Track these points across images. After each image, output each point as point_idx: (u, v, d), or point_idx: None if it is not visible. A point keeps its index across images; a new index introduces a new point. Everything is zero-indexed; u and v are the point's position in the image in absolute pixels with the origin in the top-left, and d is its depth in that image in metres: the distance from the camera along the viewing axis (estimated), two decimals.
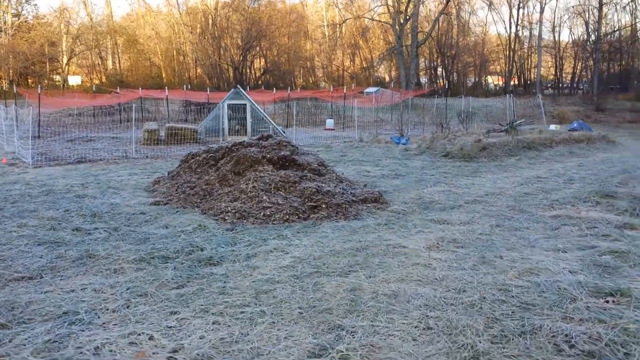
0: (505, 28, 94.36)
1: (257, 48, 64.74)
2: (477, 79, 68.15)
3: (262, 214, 8.31)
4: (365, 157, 15.75)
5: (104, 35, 61.34)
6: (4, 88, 53.46)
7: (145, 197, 9.87)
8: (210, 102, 25.86)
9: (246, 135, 19.62)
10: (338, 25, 55.03)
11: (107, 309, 4.89)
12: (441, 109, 28.51)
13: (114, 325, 4.58)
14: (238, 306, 4.94)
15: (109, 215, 8.52)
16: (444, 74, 66.63)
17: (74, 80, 64.46)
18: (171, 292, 5.33)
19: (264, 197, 8.67)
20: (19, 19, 60.73)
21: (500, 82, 68.83)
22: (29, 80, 61.74)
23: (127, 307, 4.94)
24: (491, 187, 11.33)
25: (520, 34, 62.65)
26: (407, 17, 43.52)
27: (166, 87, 24.69)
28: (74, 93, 32.42)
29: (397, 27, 43.76)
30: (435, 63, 67.15)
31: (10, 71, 56.63)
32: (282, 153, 9.82)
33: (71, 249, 6.81)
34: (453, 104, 28.92)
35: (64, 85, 56.12)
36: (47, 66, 60.50)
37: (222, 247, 6.89)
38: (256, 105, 20.70)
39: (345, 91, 26.95)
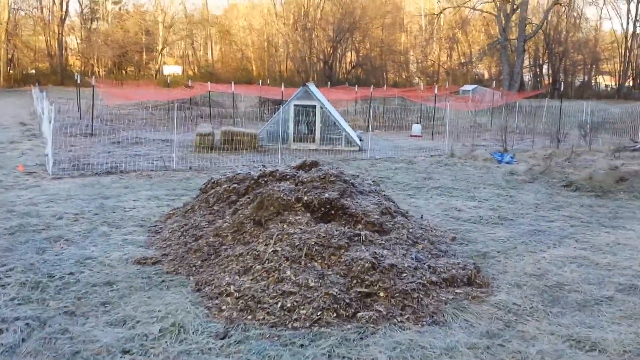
0: (622, 24, 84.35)
1: (349, 40, 61.31)
2: (585, 79, 60.62)
3: (279, 304, 5.06)
4: (457, 182, 12.01)
5: (196, 25, 60.58)
6: (100, 76, 54.12)
7: (136, 247, 6.94)
8: (285, 100, 22.86)
9: (314, 142, 16.45)
10: (436, 16, 50.18)
11: None
12: (553, 114, 23.80)
13: None
14: None
15: (59, 285, 5.65)
16: (550, 72, 59.86)
17: (172, 70, 64.46)
18: None
19: (288, 273, 5.41)
20: (119, 8, 61.37)
21: (613, 83, 60.83)
22: (128, 69, 62.53)
23: None
24: None
25: (638, 31, 54.67)
26: (515, 7, 38.19)
27: (232, 83, 22.16)
28: (148, 85, 30.94)
29: (502, 17, 38.54)
30: (541, 60, 60.48)
31: (109, 61, 57.29)
32: (327, 195, 6.48)
33: None
34: (569, 109, 24.02)
35: (156, 75, 55.88)
36: (144, 55, 60.67)
37: None
38: (329, 106, 17.43)
39: (436, 90, 23.00)
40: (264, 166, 8.01)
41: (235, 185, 7.46)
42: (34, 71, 53.26)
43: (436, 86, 27.14)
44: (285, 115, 16.35)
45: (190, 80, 29.39)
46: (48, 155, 12.80)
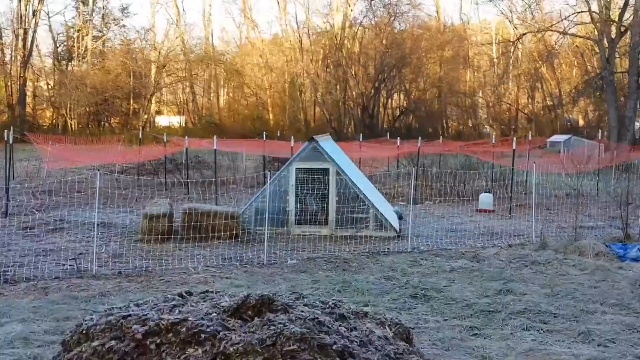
0: None
1: (396, 79, 59.51)
2: None
3: None
4: (555, 299, 9.06)
5: (198, 64, 60.16)
6: (73, 129, 53.43)
7: None
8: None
9: (326, 225, 13.89)
10: (512, 44, 47.93)
11: None
12: None
13: None
14: None
15: None
16: None
17: (170, 121, 63.98)
18: None
19: None
20: (103, 43, 61.38)
21: None
22: (114, 120, 62.06)
23: None
24: None
25: None
26: (622, 30, 35.65)
27: (215, 137, 20.02)
28: (117, 143, 29.58)
29: (605, 44, 35.95)
30: None
31: (85, 110, 56.65)
32: None
33: None
34: None
35: (143, 127, 54.97)
36: (130, 102, 59.96)
37: None
38: (351, 169, 14.95)
39: (514, 144, 20.43)
40: (182, 294, 5.35)
41: (113, 342, 4.80)
42: None
43: (514, 138, 24.55)
44: (282, 185, 13.90)
45: (165, 135, 27.67)
46: None
